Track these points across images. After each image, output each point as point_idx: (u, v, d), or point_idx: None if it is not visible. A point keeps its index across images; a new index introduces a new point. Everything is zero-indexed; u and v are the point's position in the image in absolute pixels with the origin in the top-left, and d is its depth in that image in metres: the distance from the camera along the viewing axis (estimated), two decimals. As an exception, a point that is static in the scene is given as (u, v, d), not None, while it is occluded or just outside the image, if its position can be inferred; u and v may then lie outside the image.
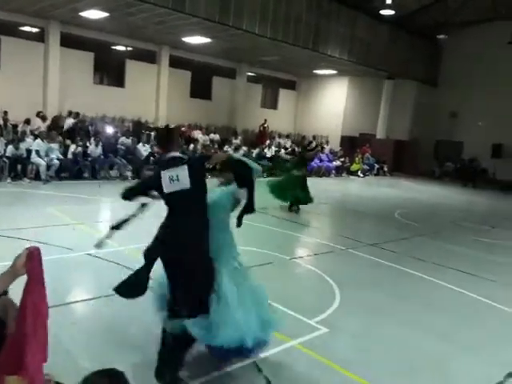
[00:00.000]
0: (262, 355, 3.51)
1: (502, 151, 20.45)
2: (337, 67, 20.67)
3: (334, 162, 19.43)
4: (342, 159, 20.01)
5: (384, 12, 16.37)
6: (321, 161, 18.74)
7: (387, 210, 11.48)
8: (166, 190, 3.03)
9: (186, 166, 3.02)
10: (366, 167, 20.33)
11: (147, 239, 3.22)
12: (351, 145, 22.53)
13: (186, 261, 3.01)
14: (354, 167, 20.01)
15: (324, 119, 24.60)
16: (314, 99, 25.56)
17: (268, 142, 18.87)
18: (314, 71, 22.46)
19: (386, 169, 21.17)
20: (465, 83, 21.54)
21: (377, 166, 20.99)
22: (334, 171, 19.15)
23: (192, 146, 15.07)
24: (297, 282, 5.80)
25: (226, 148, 15.91)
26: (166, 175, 3.03)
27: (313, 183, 16.17)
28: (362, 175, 19.84)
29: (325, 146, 20.86)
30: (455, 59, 22.01)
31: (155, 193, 3.17)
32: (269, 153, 17.33)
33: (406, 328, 4.45)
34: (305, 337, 3.97)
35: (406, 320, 4.65)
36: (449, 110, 22.35)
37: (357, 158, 20.16)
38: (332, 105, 24.72)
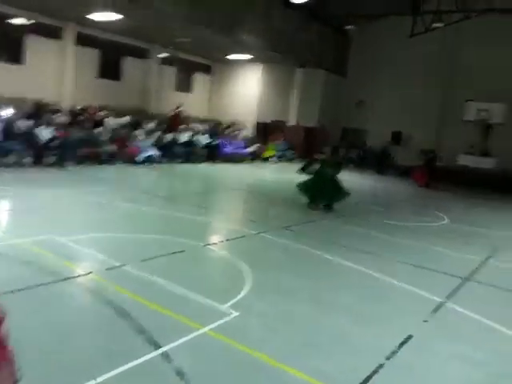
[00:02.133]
0: (173, 344, 3.52)
1: (401, 139, 22.13)
2: (251, 53, 20.82)
3: (249, 148, 19.67)
4: (257, 145, 20.32)
5: (296, 0, 16.72)
6: (236, 147, 18.90)
7: (297, 195, 11.91)
8: None
9: None
10: (278, 153, 20.86)
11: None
12: (265, 131, 22.97)
13: None
14: (268, 153, 20.44)
15: (240, 105, 24.72)
16: (229, 84, 25.54)
17: (182, 126, 18.55)
18: (229, 56, 22.40)
19: (295, 155, 21.88)
20: (369, 73, 22.89)
21: (289, 151, 21.64)
22: (248, 157, 19.39)
23: (101, 128, 14.37)
24: (209, 268, 5.85)
25: (137, 132, 15.38)
26: None
27: (228, 169, 16.53)
28: (275, 161, 20.34)
29: (240, 132, 21.06)
30: (362, 50, 23.23)
31: None
32: (183, 138, 17.05)
33: (313, 306, 4.70)
34: (216, 322, 4.02)
35: (314, 298, 4.92)
36: (354, 99, 23.61)
37: (270, 145, 20.61)
38: (247, 91, 24.90)
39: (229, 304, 4.43)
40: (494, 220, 11.68)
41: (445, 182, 17.84)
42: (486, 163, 19.57)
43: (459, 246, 8.16)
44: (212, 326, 3.95)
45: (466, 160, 19.96)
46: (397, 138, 22.15)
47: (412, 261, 6.81)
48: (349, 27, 21.12)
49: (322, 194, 10.20)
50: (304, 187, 10.35)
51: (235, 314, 4.24)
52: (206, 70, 25.62)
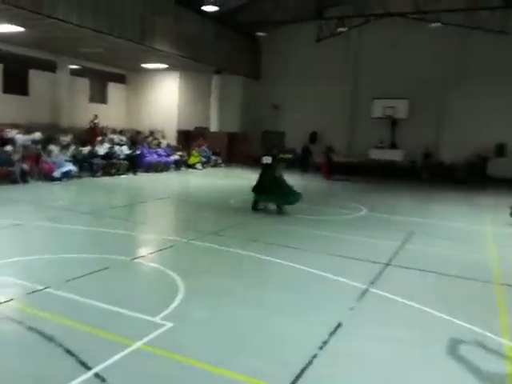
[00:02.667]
0: (105, 363, 3.43)
1: (316, 138, 23.07)
2: (167, 61, 20.62)
3: (173, 157, 19.45)
4: (180, 153, 20.14)
5: (207, 8, 16.84)
6: (159, 156, 18.59)
7: (224, 199, 12.02)
8: None
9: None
10: (203, 159, 20.85)
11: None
12: (187, 138, 22.83)
13: None
14: (193, 160, 20.34)
15: (159, 114, 24.36)
16: (146, 93, 25.08)
17: (100, 138, 17.89)
18: (144, 65, 22.01)
19: (220, 160, 21.99)
20: (283, 78, 23.68)
21: (213, 157, 21.70)
22: (173, 165, 19.17)
23: (9, 147, 13.45)
24: (138, 282, 5.73)
25: (52, 147, 14.58)
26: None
27: (152, 179, 16.21)
28: (200, 167, 20.29)
29: (162, 140, 20.75)
30: (273, 55, 23.97)
31: None
32: (102, 150, 16.45)
33: (245, 306, 4.80)
34: (149, 336, 3.95)
35: (245, 298, 5.02)
36: (271, 102, 24.25)
37: (194, 151, 20.54)
38: (165, 99, 24.62)
39: (161, 316, 4.38)
40: (407, 207, 12.57)
41: (359, 175, 18.97)
42: (395, 156, 21.01)
43: (378, 233, 8.70)
44: (145, 340, 3.88)
45: (376, 154, 21.27)
46: (313, 137, 23.05)
47: (336, 252, 7.16)
48: (259, 34, 21.67)
49: (274, 194, 10.22)
50: (258, 190, 10.37)
51: (169, 324, 4.20)
52: (121, 79, 24.95)
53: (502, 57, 19.55)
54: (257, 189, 10.44)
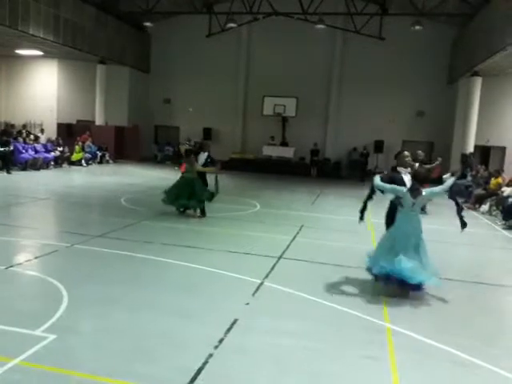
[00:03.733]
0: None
1: (211, 134, 23.07)
2: (43, 48, 18.95)
3: (53, 153, 17.92)
4: (61, 149, 18.65)
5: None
6: (36, 152, 17.00)
7: (113, 198, 11.39)
8: None
9: None
10: (88, 156, 19.57)
11: None
12: (69, 132, 21.25)
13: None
14: (76, 156, 18.99)
15: (36, 105, 22.34)
16: (20, 83, 22.85)
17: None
18: (17, 51, 19.96)
19: (107, 156, 20.86)
20: (174, 71, 23.24)
21: (99, 153, 20.49)
22: (52, 162, 17.67)
23: None
24: (15, 292, 5.12)
25: None
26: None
27: (30, 177, 14.73)
28: (85, 164, 19.02)
29: (39, 134, 19.01)
30: (163, 47, 23.39)
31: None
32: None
33: (134, 311, 4.55)
34: (29, 351, 3.57)
35: (135, 303, 4.77)
36: (163, 96, 23.67)
37: (77, 147, 19.17)
38: (43, 89, 22.65)
39: (43, 328, 3.98)
40: (297, 202, 13.13)
41: (252, 172, 19.39)
42: (286, 153, 21.85)
43: (271, 228, 8.93)
44: (24, 355, 3.50)
45: (268, 151, 21.93)
46: (208, 133, 23.00)
47: (232, 248, 7.18)
48: (147, 24, 20.92)
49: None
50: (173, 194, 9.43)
51: (52, 337, 3.84)
52: (-10, 66, 22.40)
53: (379, 60, 21.33)
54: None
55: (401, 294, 5.28)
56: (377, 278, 5.51)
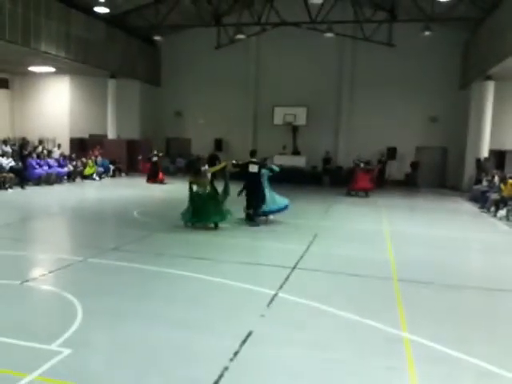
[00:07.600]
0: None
1: (222, 145, 23.16)
2: (55, 65, 19.27)
3: (66, 167, 18.10)
4: (74, 163, 18.84)
5: (98, 9, 16.02)
6: (50, 167, 17.18)
7: (126, 211, 11.45)
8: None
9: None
10: (101, 169, 19.74)
11: None
12: (82, 147, 21.49)
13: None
14: (88, 170, 19.17)
15: (49, 121, 22.64)
16: (33, 99, 23.20)
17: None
18: (30, 68, 20.32)
19: (120, 170, 21.03)
20: (185, 84, 23.41)
21: (112, 167, 20.66)
22: (65, 177, 17.84)
23: None
24: (30, 307, 5.13)
25: None
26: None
27: (44, 192, 14.90)
28: (97, 178, 19.19)
29: (55, 149, 19.21)
30: (173, 60, 23.60)
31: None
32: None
33: (148, 325, 4.51)
34: (45, 366, 3.55)
35: (151, 316, 4.73)
36: (173, 109, 23.85)
37: (90, 161, 19.36)
38: (56, 105, 22.96)
39: (58, 342, 3.97)
40: (311, 212, 13.02)
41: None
42: (298, 162, 21.77)
43: (284, 238, 8.86)
44: (40, 370, 3.48)
45: (280, 160, 21.84)
46: (219, 145, 23.09)
47: (244, 259, 7.13)
48: (157, 38, 21.15)
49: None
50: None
51: (67, 351, 3.82)
52: (4, 84, 22.78)
53: (390, 66, 21.23)
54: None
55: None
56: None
